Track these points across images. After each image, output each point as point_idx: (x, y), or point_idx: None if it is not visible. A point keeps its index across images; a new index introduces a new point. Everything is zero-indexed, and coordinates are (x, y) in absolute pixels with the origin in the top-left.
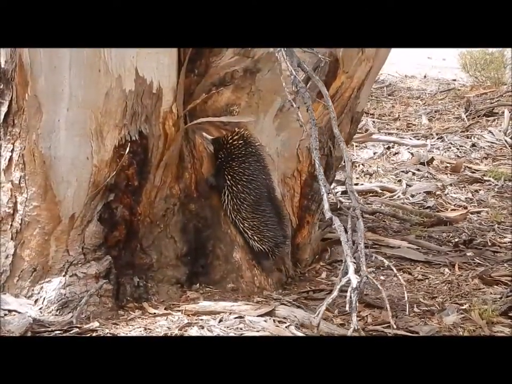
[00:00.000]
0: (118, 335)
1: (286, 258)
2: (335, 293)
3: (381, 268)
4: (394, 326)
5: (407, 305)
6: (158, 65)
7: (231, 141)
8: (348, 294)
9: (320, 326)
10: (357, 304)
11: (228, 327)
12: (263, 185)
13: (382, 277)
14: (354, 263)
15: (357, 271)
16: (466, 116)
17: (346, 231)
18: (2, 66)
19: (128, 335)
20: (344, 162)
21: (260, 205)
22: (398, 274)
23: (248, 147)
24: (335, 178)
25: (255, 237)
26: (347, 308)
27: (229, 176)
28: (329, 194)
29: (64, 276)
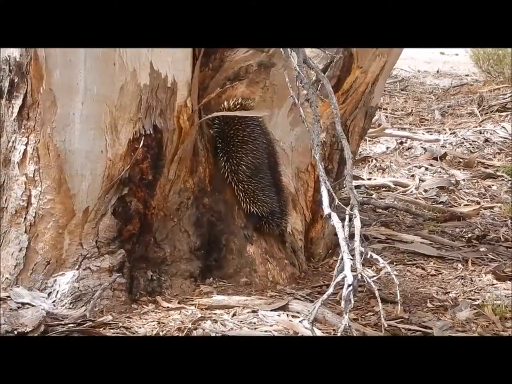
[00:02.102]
0: (131, 328)
1: (299, 252)
2: (330, 290)
3: (394, 263)
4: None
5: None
6: (172, 59)
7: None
8: (344, 291)
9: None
10: (352, 301)
11: (241, 321)
12: (263, 150)
13: (395, 272)
14: (351, 259)
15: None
16: (479, 111)
17: (343, 228)
18: (18, 59)
19: (135, 334)
20: (346, 159)
21: (258, 171)
22: (392, 273)
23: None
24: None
25: (247, 199)
26: (342, 305)
27: (225, 131)
28: (341, 190)
29: (77, 269)
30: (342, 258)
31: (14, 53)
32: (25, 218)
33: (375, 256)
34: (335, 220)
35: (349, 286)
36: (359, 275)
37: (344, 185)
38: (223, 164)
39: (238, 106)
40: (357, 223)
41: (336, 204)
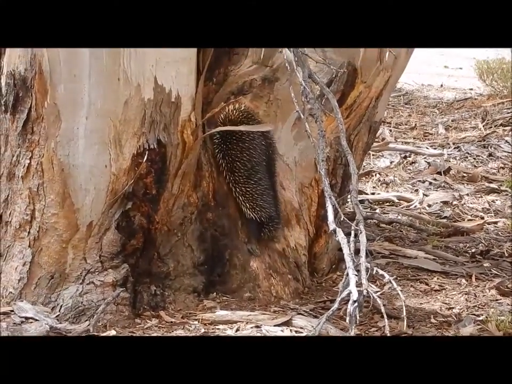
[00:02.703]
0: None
1: (303, 267)
2: (335, 305)
3: (398, 278)
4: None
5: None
6: (176, 74)
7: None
8: (348, 306)
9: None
10: (357, 317)
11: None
12: (261, 151)
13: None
14: (356, 275)
15: (359, 284)
16: (483, 126)
17: (349, 244)
18: (22, 74)
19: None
20: (351, 174)
21: (256, 172)
22: (398, 289)
23: (249, 119)
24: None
25: (247, 203)
26: (347, 321)
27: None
28: (345, 204)
29: (81, 283)
30: (347, 274)
31: (19, 67)
32: (29, 232)
33: (380, 271)
34: (340, 235)
35: (354, 302)
36: (365, 291)
37: (348, 200)
38: (219, 161)
39: (242, 115)
40: (363, 238)
41: (341, 219)
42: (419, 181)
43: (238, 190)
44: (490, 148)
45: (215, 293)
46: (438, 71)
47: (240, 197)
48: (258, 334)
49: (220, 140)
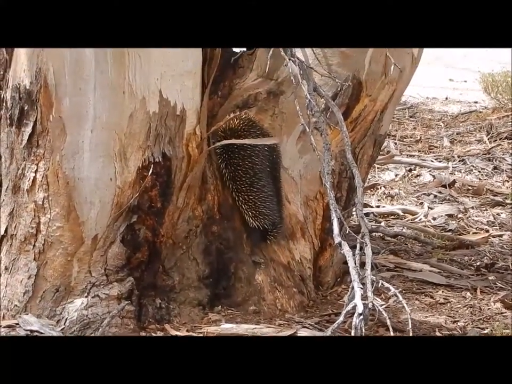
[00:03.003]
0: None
1: (308, 280)
2: (341, 318)
3: (403, 292)
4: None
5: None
6: (182, 87)
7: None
8: (354, 319)
9: None
10: (363, 330)
11: None
12: (264, 157)
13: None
14: (362, 288)
15: (364, 297)
16: (488, 139)
17: (354, 257)
18: (28, 87)
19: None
20: (356, 187)
21: (258, 179)
22: (404, 302)
23: (250, 127)
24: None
25: (250, 212)
26: (352, 334)
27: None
28: (350, 217)
29: (86, 296)
30: (352, 287)
31: (24, 80)
32: (34, 245)
33: (386, 284)
34: (345, 248)
35: (360, 315)
36: (370, 304)
37: (353, 213)
38: (223, 171)
39: (243, 123)
40: (368, 251)
41: (346, 232)
42: (424, 194)
43: (241, 198)
44: (495, 161)
45: (220, 306)
46: (443, 84)
47: (243, 206)
48: None
49: (221, 149)
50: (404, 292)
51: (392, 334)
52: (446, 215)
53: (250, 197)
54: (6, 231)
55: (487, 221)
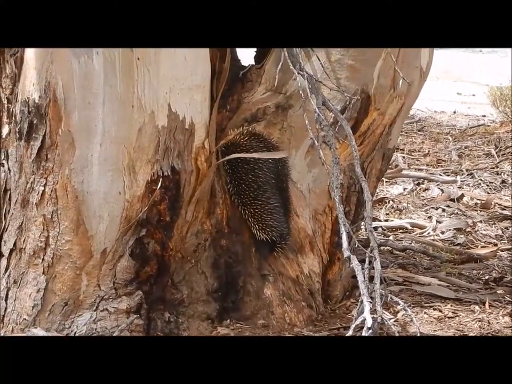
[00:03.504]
0: None
1: (316, 294)
2: (349, 333)
3: (411, 305)
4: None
5: None
6: (190, 101)
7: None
8: (363, 333)
9: None
10: None
11: None
12: (268, 169)
13: (413, 315)
14: (371, 302)
15: (373, 310)
16: (496, 152)
17: (363, 271)
18: (37, 101)
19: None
20: (365, 201)
21: (263, 192)
22: (413, 316)
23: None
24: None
25: (256, 225)
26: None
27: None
28: (358, 231)
29: (95, 310)
30: (361, 301)
31: (33, 94)
32: (43, 259)
33: (395, 298)
34: (354, 262)
35: (369, 329)
36: (379, 318)
37: (362, 227)
38: (228, 186)
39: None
40: (377, 265)
41: (355, 246)
42: (432, 207)
43: (247, 212)
44: (504, 174)
45: (228, 320)
46: (451, 97)
47: (249, 219)
48: None
49: (226, 164)
50: (412, 305)
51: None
52: (454, 229)
53: (256, 210)
54: (14, 244)
55: (496, 235)
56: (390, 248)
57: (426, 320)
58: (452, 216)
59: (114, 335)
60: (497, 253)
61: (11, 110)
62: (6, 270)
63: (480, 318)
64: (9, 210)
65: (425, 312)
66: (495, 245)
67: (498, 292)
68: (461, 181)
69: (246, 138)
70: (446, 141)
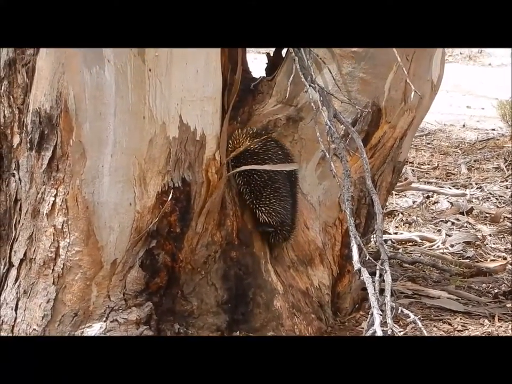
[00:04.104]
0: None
1: (326, 306)
2: None
3: (421, 318)
4: None
5: None
6: (201, 112)
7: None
8: None
9: None
10: None
11: None
12: (278, 161)
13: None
14: (381, 315)
15: (383, 323)
16: (506, 166)
17: (373, 283)
18: (48, 111)
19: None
20: (375, 214)
21: (274, 181)
22: (423, 329)
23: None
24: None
25: (262, 208)
26: None
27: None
28: (368, 244)
29: (105, 321)
30: (371, 314)
31: (45, 104)
32: (53, 269)
33: (405, 311)
34: (365, 275)
35: None
36: (389, 330)
37: (372, 240)
38: (237, 179)
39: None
40: (388, 278)
41: (366, 258)
42: (442, 221)
43: (253, 195)
44: None
45: (238, 332)
46: (460, 111)
47: (254, 202)
48: None
49: (235, 159)
50: (422, 318)
51: None
52: (463, 242)
53: (264, 193)
54: (25, 255)
55: (505, 248)
56: (399, 261)
57: (435, 333)
58: (461, 229)
59: None
60: (507, 267)
61: (22, 120)
62: (16, 280)
63: (489, 332)
64: (19, 221)
65: (434, 325)
66: (505, 258)
67: (507, 305)
68: (470, 194)
69: (261, 144)
70: (455, 154)
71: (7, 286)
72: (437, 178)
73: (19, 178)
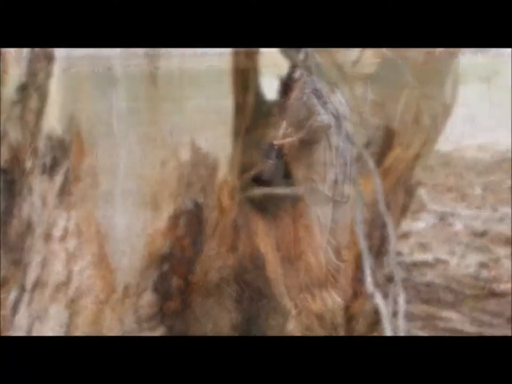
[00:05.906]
0: None
1: (339, 328)
2: None
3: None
4: None
5: None
6: (214, 136)
7: None
8: None
9: None
10: None
11: None
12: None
13: None
14: None
15: None
16: None
17: (387, 306)
18: (60, 135)
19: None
20: (389, 236)
21: None
22: None
23: None
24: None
25: None
26: None
27: None
28: (381, 266)
29: None
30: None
31: (57, 129)
32: (66, 293)
33: (419, 333)
34: (378, 297)
35: None
36: None
37: (385, 262)
38: None
39: None
40: (401, 301)
41: (378, 281)
42: (455, 242)
43: None
44: None
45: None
46: (475, 132)
47: None
48: None
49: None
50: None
51: None
52: (477, 263)
53: None
54: (37, 278)
55: None
56: (413, 283)
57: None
58: (475, 251)
59: None
60: None
61: (35, 144)
62: (29, 304)
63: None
64: (32, 244)
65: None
66: None
67: None
68: (485, 216)
69: None
70: (470, 175)
71: (20, 310)
72: (451, 199)
73: (32, 202)
